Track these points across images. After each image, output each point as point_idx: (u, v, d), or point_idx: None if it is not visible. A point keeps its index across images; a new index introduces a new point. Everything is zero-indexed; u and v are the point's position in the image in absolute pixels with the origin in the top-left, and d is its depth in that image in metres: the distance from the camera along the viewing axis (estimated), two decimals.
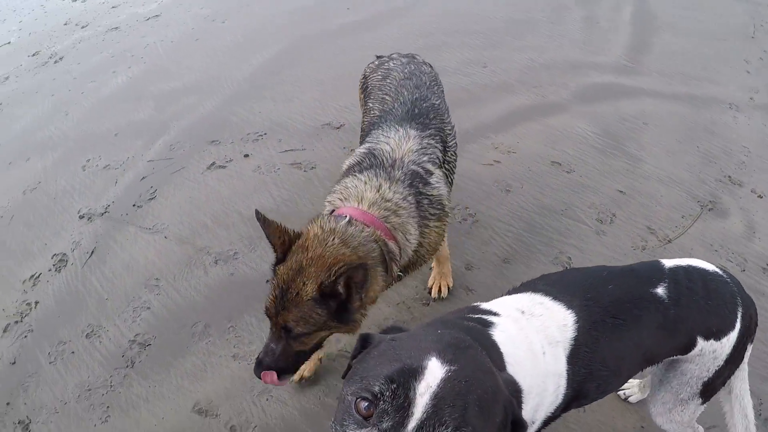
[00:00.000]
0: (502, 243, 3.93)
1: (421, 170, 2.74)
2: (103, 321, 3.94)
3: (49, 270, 4.43)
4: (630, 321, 1.94)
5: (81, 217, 4.74)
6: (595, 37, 6.70)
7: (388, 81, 3.34)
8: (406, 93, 3.16)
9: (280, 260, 2.36)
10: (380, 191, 2.58)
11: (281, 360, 2.36)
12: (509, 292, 2.12)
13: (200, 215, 4.47)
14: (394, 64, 3.51)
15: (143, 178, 4.94)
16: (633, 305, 1.96)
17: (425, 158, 2.81)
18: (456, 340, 1.42)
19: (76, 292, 4.20)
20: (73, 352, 3.83)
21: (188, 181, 4.80)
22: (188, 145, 5.21)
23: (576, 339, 1.87)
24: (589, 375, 1.90)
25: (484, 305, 1.96)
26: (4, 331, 4.17)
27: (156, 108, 5.90)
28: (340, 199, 2.63)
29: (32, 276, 4.46)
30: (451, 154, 3.11)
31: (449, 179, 3.05)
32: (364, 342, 1.52)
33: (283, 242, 2.35)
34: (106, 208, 4.74)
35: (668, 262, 2.12)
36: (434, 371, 1.23)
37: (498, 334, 1.73)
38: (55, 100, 6.53)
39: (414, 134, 2.88)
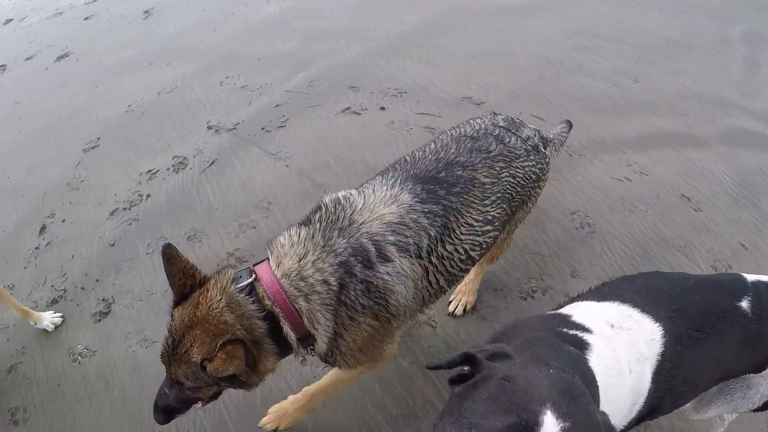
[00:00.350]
0: (612, 261, 3.71)
1: (372, 249, 2.06)
2: (207, 228, 3.97)
3: (168, 169, 4.52)
4: (713, 335, 1.81)
5: (209, 128, 4.83)
6: (754, 81, 6.30)
7: (453, 133, 2.55)
8: (452, 150, 2.37)
9: (176, 303, 2.06)
10: (301, 263, 2.03)
11: (176, 404, 2.15)
12: (591, 293, 2.00)
13: (325, 154, 4.45)
14: (481, 122, 2.59)
15: (277, 105, 4.98)
16: (717, 318, 1.83)
17: (392, 237, 2.08)
18: (569, 386, 1.33)
19: (188, 196, 4.27)
20: None
21: (320, 119, 4.79)
22: (327, 84, 5.21)
23: (662, 354, 1.75)
24: (669, 391, 1.79)
25: (576, 317, 1.82)
26: (111, 214, 4.29)
27: (302, 43, 5.95)
28: (271, 252, 2.15)
29: (150, 171, 4.57)
30: (455, 250, 2.24)
31: (432, 279, 2.24)
32: (468, 362, 1.41)
33: (184, 285, 2.04)
34: (235, 125, 4.80)
35: (750, 277, 2.00)
36: (549, 429, 1.17)
37: (594, 361, 1.61)
38: (206, 15, 6.66)
39: (406, 201, 2.15)
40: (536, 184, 2.53)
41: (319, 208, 2.19)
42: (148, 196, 4.38)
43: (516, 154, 2.42)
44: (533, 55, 5.67)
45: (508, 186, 2.36)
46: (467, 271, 2.45)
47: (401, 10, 6.61)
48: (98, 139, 5.08)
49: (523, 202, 2.51)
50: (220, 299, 1.97)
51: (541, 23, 6.35)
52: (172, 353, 1.97)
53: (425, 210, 2.14)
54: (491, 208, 2.31)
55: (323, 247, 2.05)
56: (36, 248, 4.25)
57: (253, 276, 2.04)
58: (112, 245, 4.08)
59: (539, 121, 4.72)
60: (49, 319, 3.60)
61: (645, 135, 4.88)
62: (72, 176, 4.82)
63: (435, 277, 2.23)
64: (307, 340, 2.08)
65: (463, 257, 2.28)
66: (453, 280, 2.37)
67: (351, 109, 4.88)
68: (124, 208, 4.33)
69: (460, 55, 5.61)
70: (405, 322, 2.34)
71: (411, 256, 2.12)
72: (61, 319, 3.65)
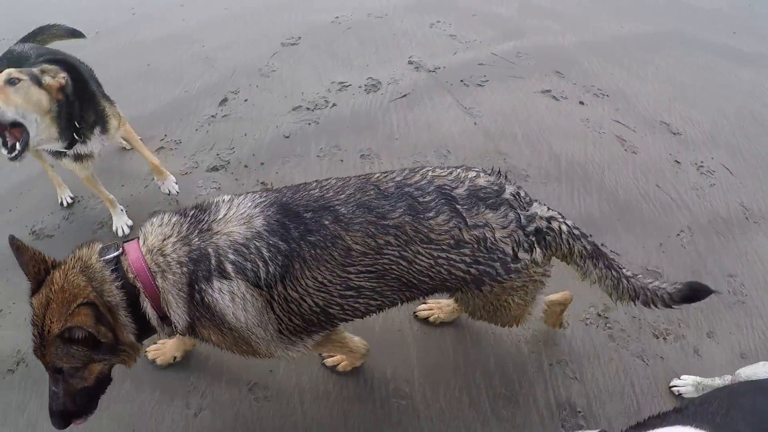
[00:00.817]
0: (751, 338, 3.35)
1: (213, 260, 1.96)
2: (382, 152, 4.01)
3: (360, 86, 4.56)
4: None
5: (410, 63, 4.84)
6: None
7: (379, 175, 2.15)
8: (342, 195, 2.06)
9: (33, 292, 1.98)
10: (164, 242, 2.00)
11: (69, 402, 2.03)
12: (696, 413, 1.61)
13: (515, 125, 4.35)
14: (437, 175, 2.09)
15: (480, 64, 4.91)
16: None
17: (232, 257, 1.96)
18: None
19: (373, 117, 4.30)
20: (341, 161, 3.90)
21: (519, 91, 4.69)
22: (534, 60, 5.09)
23: None
24: None
25: None
26: (294, 109, 4.39)
27: (519, 12, 5.88)
28: (141, 231, 2.09)
29: (342, 83, 4.63)
30: (302, 299, 2.03)
31: (281, 316, 2.07)
32: None
33: (38, 272, 1.98)
34: (436, 68, 4.78)
35: None
36: None
37: None
38: None
39: (257, 226, 2.00)
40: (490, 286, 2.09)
41: (198, 205, 2.12)
42: (334, 105, 4.41)
43: (429, 237, 1.99)
44: (742, 107, 5.34)
45: (394, 267, 2.03)
46: (335, 324, 2.25)
47: (624, 15, 6.37)
48: (299, 38, 5.17)
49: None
50: (76, 268, 1.93)
51: (757, 78, 5.98)
52: (40, 342, 1.91)
53: (270, 242, 1.98)
54: (356, 277, 2.03)
55: (184, 237, 1.99)
56: (212, 116, 4.39)
57: (120, 250, 2.00)
58: (287, 137, 4.14)
59: (727, 174, 4.45)
60: (172, 184, 3.69)
61: None
62: (265, 64, 4.92)
63: (285, 315, 2.07)
64: (167, 319, 2.01)
65: (316, 310, 2.08)
66: (320, 324, 2.17)
67: (551, 93, 4.74)
68: (308, 108, 4.39)
69: (668, 78, 5.35)
70: (274, 346, 2.16)
71: (248, 282, 1.97)
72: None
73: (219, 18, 5.76)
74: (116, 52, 5.38)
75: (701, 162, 4.33)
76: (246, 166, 3.92)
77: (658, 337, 3.14)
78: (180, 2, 6.24)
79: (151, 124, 4.37)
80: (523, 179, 3.90)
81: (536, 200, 2.12)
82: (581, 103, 4.68)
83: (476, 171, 2.08)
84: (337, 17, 5.42)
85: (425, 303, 3.00)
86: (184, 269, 1.95)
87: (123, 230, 3.52)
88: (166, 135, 4.26)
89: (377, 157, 3.94)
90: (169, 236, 2.01)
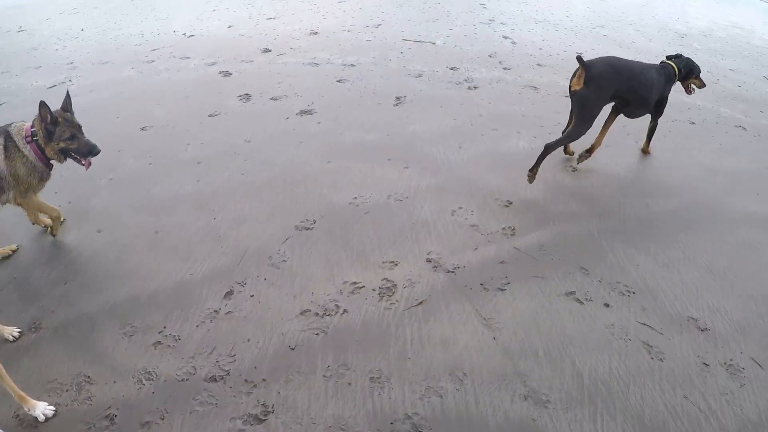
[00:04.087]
0: None
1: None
2: (393, 376, 3.81)
3: (374, 290, 4.47)
4: None
5: (428, 261, 4.70)
6: None
7: None
8: None
9: None
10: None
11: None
12: None
13: (536, 339, 4.15)
14: None
15: (502, 261, 4.76)
16: None
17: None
18: None
19: (385, 330, 4.16)
20: (349, 384, 3.74)
21: (541, 295, 4.50)
22: (558, 256, 4.92)
23: None
24: None
25: None
26: (302, 313, 4.33)
27: (544, 197, 5.70)
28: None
29: (355, 283, 4.56)
30: None
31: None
32: None
33: None
34: (455, 268, 4.64)
35: None
36: None
37: None
38: (455, 125, 6.71)
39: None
40: None
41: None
42: (345, 311, 4.26)
43: None
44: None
45: None
46: None
47: (649, 189, 6.26)
48: (314, 222, 5.09)
49: None
50: None
51: None
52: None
53: None
54: None
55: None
56: (215, 311, 4.28)
57: None
58: (292, 349, 3.99)
59: (757, 369, 4.21)
60: (42, 409, 3.47)
61: None
62: (276, 251, 4.84)
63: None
64: None
65: None
66: None
67: (575, 295, 4.55)
68: (317, 314, 4.25)
69: (696, 262, 5.20)
70: None
71: None
72: (53, 412, 3.48)
73: (235, 185, 5.73)
74: (129, 205, 5.45)
75: (730, 360, 4.16)
76: (246, 381, 3.74)
77: None
78: (197, 160, 6.24)
79: (150, 310, 4.28)
80: (543, 405, 3.68)
81: None
82: (606, 305, 4.50)
83: None
84: (356, 198, 5.34)
85: None
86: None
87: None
88: (165, 327, 4.13)
89: (387, 381, 3.74)
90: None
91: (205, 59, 9.34)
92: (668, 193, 6.25)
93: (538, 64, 9.40)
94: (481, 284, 4.51)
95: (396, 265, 4.59)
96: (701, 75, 6.54)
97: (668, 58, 6.33)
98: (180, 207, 5.42)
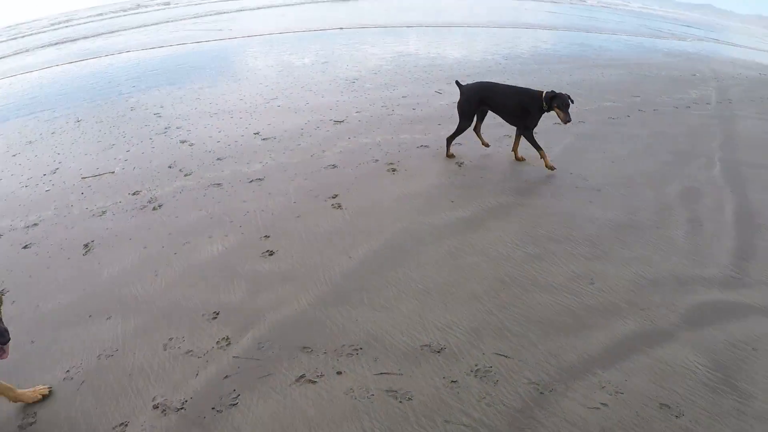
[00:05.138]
0: None
1: None
2: None
3: None
4: None
5: (155, 407, 4.61)
6: (701, 243, 6.81)
7: None
8: None
9: None
10: None
11: None
12: None
13: None
14: None
15: (226, 376, 4.81)
16: None
17: None
18: None
19: None
20: None
21: (274, 393, 4.61)
22: (278, 346, 5.04)
23: None
24: None
25: None
26: None
27: (248, 292, 5.86)
28: None
29: None
30: None
31: None
32: None
33: None
34: (183, 403, 4.61)
35: None
36: None
37: None
38: (147, 254, 6.61)
39: None
40: None
41: None
42: None
43: None
44: (485, 277, 5.82)
45: None
46: None
47: (347, 240, 6.76)
48: (35, 413, 4.81)
49: None
50: None
51: (489, 237, 6.53)
52: None
53: None
54: None
55: None
56: None
57: None
58: None
59: (504, 359, 4.69)
60: None
61: (612, 346, 4.97)
62: None
63: None
64: None
65: None
66: None
67: (306, 377, 4.74)
68: None
69: (412, 292, 5.67)
70: None
71: None
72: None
73: None
74: None
75: (476, 365, 4.67)
76: None
77: None
78: None
79: None
80: None
81: None
82: (339, 373, 4.77)
83: None
84: (68, 371, 5.02)
85: None
86: None
87: None
88: None
89: None
90: None
91: None
92: (365, 237, 6.77)
93: (218, 159, 9.68)
94: (213, 408, 4.54)
95: (126, 426, 4.47)
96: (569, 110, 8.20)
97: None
98: None
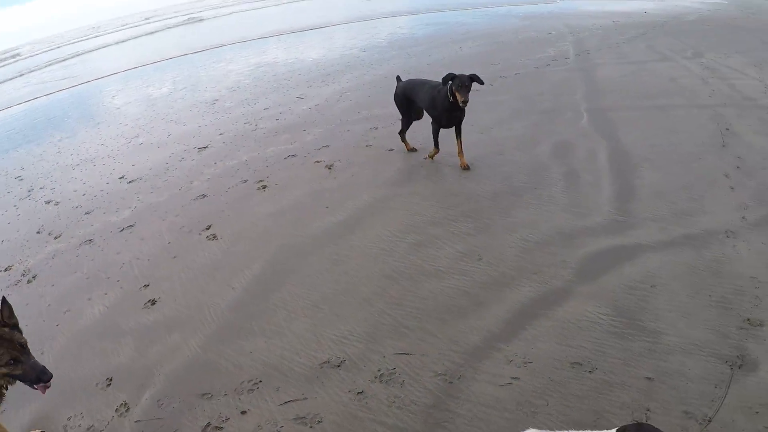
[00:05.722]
0: None
1: None
2: None
3: None
4: None
5: None
6: (581, 194, 7.08)
7: None
8: None
9: None
10: None
11: None
12: None
13: None
14: None
15: None
16: None
17: None
18: None
19: None
20: None
21: None
22: (177, 399, 4.88)
23: None
24: None
25: None
26: None
27: (137, 349, 5.69)
28: None
29: None
30: None
31: None
32: None
33: None
34: None
35: None
36: None
37: None
38: (29, 332, 6.32)
39: None
40: None
41: None
42: None
43: None
44: (372, 277, 5.85)
45: None
46: None
47: (226, 271, 6.71)
48: None
49: None
50: None
51: (369, 235, 6.58)
52: None
53: None
54: None
55: None
56: None
57: None
58: None
59: (406, 357, 4.76)
60: None
61: (510, 318, 5.09)
62: None
63: None
64: None
65: None
66: None
67: (212, 425, 4.56)
68: None
69: (301, 310, 5.65)
70: None
71: None
72: None
73: None
74: None
75: (378, 370, 4.69)
76: None
77: None
78: None
79: None
80: None
81: None
82: (243, 412, 4.62)
83: None
84: None
85: None
86: None
87: None
88: None
89: None
90: None
91: None
92: (245, 264, 6.80)
93: (86, 213, 9.47)
94: None
95: None
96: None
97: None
98: None
